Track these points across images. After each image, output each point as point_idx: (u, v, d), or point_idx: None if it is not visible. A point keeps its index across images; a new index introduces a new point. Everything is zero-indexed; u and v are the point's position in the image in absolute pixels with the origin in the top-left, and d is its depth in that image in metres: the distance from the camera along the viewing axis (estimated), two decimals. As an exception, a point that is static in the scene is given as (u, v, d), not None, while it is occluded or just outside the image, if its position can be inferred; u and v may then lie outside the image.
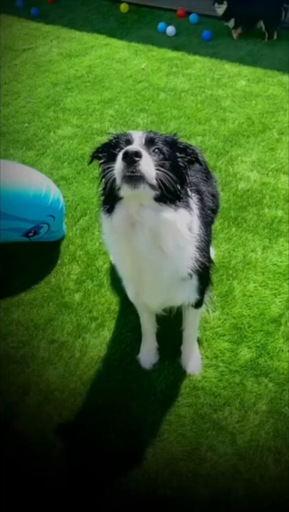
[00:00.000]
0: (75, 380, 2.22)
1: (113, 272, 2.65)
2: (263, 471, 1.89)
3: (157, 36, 4.99)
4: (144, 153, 1.47)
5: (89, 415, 2.09)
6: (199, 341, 2.30)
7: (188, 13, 5.23)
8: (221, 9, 4.67)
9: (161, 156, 1.57)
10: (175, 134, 1.70)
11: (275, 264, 2.61)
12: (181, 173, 1.65)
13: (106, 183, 1.59)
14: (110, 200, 1.63)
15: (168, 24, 5.03)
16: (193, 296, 1.98)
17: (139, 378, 2.20)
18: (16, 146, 3.64)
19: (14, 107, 4.12)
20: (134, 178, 1.47)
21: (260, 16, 4.64)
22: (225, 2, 4.61)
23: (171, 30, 4.97)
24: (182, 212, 1.64)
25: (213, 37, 4.85)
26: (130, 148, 1.45)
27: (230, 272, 2.59)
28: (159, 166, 1.52)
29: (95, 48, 4.89)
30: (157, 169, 1.51)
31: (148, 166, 1.47)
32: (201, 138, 3.54)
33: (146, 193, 1.53)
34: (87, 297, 2.56)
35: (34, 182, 2.57)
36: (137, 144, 1.55)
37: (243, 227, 2.84)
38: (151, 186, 1.51)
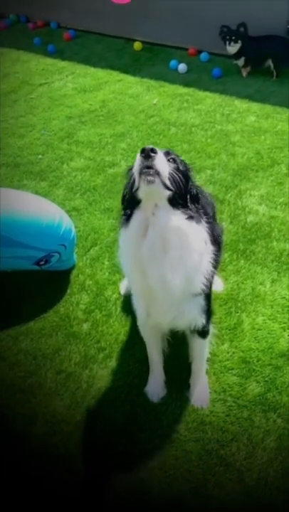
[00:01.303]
0: (81, 411, 2.20)
1: (122, 303, 2.67)
2: (271, 510, 1.84)
3: (169, 73, 5.15)
4: (160, 152, 1.61)
5: (95, 448, 2.07)
6: (208, 374, 2.28)
7: (199, 51, 5.40)
8: (234, 48, 4.81)
9: (175, 165, 1.71)
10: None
11: (284, 298, 2.61)
12: (191, 191, 1.77)
13: (128, 187, 1.76)
14: (130, 205, 1.75)
15: (180, 62, 5.19)
16: (200, 319, 1.99)
17: (146, 411, 2.18)
18: (29, 177, 3.73)
19: (29, 138, 4.24)
20: (149, 173, 1.59)
21: (269, 54, 4.78)
22: (239, 41, 4.77)
23: (182, 67, 5.13)
24: (196, 224, 1.74)
25: (223, 74, 4.99)
26: (147, 146, 1.59)
27: (239, 304, 2.60)
28: (173, 170, 1.67)
29: (109, 84, 5.05)
30: (171, 171, 1.66)
31: (162, 163, 1.62)
32: (211, 172, 3.61)
33: (160, 192, 1.64)
34: (95, 327, 2.57)
35: (47, 212, 2.63)
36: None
37: (251, 259, 2.86)
38: (165, 185, 1.64)
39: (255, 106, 4.43)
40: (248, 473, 1.95)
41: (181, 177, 1.70)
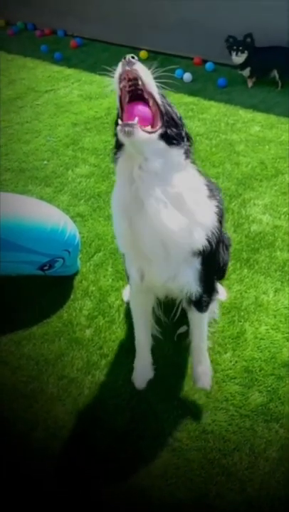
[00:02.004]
0: (83, 417, 2.20)
1: (125, 309, 2.67)
2: (272, 522, 1.83)
3: (174, 82, 5.18)
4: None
5: (96, 455, 2.06)
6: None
7: (205, 61, 5.45)
8: (240, 58, 4.84)
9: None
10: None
11: (287, 308, 2.61)
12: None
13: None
14: (116, 143, 1.64)
15: (185, 71, 5.23)
16: (195, 285, 1.83)
17: (147, 419, 2.17)
18: (34, 183, 3.74)
19: (34, 144, 4.27)
20: (127, 125, 1.47)
21: (274, 65, 4.82)
22: (245, 52, 4.80)
23: (187, 76, 5.17)
24: (194, 170, 1.63)
25: (228, 84, 5.03)
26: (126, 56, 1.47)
27: (242, 313, 2.60)
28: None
29: (114, 92, 5.08)
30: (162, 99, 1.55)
31: (145, 74, 1.48)
32: (215, 180, 3.60)
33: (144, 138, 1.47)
34: (98, 333, 2.57)
35: (52, 217, 2.64)
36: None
37: (255, 269, 2.86)
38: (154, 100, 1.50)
39: (259, 116, 4.45)
40: (250, 483, 1.94)
41: (173, 109, 1.58)
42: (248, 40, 4.77)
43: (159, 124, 1.55)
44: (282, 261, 2.89)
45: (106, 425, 2.16)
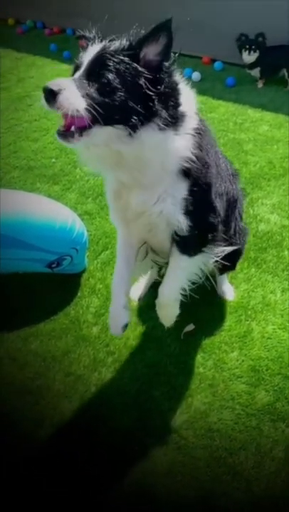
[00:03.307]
0: (89, 415, 2.20)
1: (131, 308, 2.67)
2: (278, 521, 1.83)
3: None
4: (68, 84, 1.40)
5: (102, 453, 2.07)
6: (216, 381, 2.28)
7: (214, 60, 5.44)
8: (252, 57, 4.82)
9: (105, 80, 1.43)
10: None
11: (295, 307, 2.61)
12: (142, 93, 1.47)
13: None
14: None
15: (193, 70, 5.23)
16: (178, 215, 1.76)
17: (154, 417, 2.17)
18: (42, 181, 3.76)
19: (43, 142, 4.28)
20: (60, 132, 1.48)
21: (283, 64, 4.80)
22: (257, 51, 4.78)
23: (196, 75, 5.16)
24: (144, 134, 1.53)
25: (236, 83, 5.02)
26: (48, 83, 1.39)
27: (249, 312, 2.59)
28: (95, 94, 1.42)
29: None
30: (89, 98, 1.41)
31: (72, 99, 1.39)
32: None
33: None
34: (104, 331, 2.57)
35: (60, 215, 2.64)
36: (80, 71, 1.46)
37: (262, 268, 2.85)
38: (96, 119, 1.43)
39: (268, 115, 4.44)
40: (256, 482, 1.93)
41: (112, 92, 1.42)
42: (260, 39, 4.75)
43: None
44: (289, 261, 2.88)
45: (112, 423, 2.17)
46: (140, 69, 1.46)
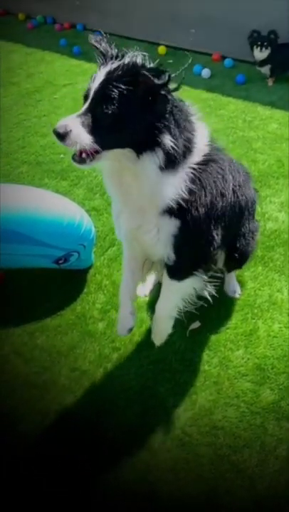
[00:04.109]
0: (94, 410, 2.21)
1: (138, 304, 2.67)
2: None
3: (192, 77, 5.15)
4: (73, 121, 1.53)
5: (106, 449, 2.08)
6: (220, 379, 2.28)
7: (224, 57, 5.41)
8: (263, 54, 4.77)
9: (108, 112, 1.51)
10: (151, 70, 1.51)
11: (301, 306, 2.60)
12: (145, 122, 1.53)
13: None
14: None
15: (203, 67, 5.20)
16: (167, 248, 1.86)
17: (158, 413, 2.18)
18: (50, 176, 3.77)
19: (51, 138, 4.20)
20: (75, 159, 1.60)
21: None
22: (269, 48, 4.74)
23: (206, 72, 5.14)
24: (148, 159, 1.59)
25: (246, 81, 4.98)
26: (56, 126, 1.53)
27: (256, 310, 2.58)
28: (99, 127, 1.52)
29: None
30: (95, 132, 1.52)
31: (79, 135, 1.51)
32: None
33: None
34: (110, 327, 2.58)
35: (68, 211, 2.65)
36: (86, 104, 1.56)
37: (269, 266, 2.84)
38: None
39: (277, 113, 4.40)
40: (260, 480, 1.94)
41: (114, 122, 1.51)
42: (272, 36, 4.71)
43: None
44: (297, 259, 2.87)
45: (116, 418, 2.18)
46: (141, 99, 1.50)
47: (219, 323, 2.53)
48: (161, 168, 1.61)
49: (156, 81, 1.45)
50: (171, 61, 5.37)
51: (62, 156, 4.01)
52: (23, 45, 6.21)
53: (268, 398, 2.20)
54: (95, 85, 1.54)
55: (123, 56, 1.58)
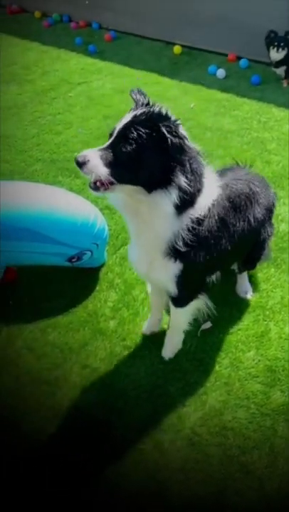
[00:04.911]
0: (104, 408, 2.22)
1: (149, 303, 2.68)
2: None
3: (207, 78, 5.15)
4: (93, 153, 1.65)
5: (115, 446, 2.09)
6: (230, 381, 2.28)
7: (239, 57, 5.39)
8: (280, 54, 4.75)
9: (125, 151, 1.62)
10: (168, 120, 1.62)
11: (313, 309, 2.59)
12: (158, 164, 1.65)
13: None
14: None
15: (218, 67, 5.19)
16: (170, 285, 2.02)
17: (168, 412, 2.19)
18: (65, 174, 3.79)
19: (66, 136, 4.31)
20: (92, 187, 1.71)
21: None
22: (286, 48, 4.72)
23: (221, 72, 5.13)
24: (159, 197, 1.70)
25: (261, 81, 4.97)
26: (78, 155, 1.67)
27: (267, 312, 2.58)
28: (115, 163, 1.63)
29: (147, 86, 5.07)
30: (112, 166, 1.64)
31: (97, 166, 1.63)
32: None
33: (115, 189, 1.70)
34: (122, 325, 2.60)
35: (83, 210, 2.66)
36: (110, 141, 1.67)
37: (282, 268, 2.83)
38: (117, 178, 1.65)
39: (292, 114, 4.39)
40: (269, 482, 1.94)
41: (129, 161, 1.63)
42: (289, 37, 4.69)
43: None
44: (310, 262, 2.86)
45: (127, 416, 2.19)
46: (158, 145, 1.61)
47: (231, 324, 2.53)
48: (171, 208, 1.73)
49: (174, 132, 1.58)
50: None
51: (76, 154, 4.03)
52: (39, 43, 6.26)
53: (278, 400, 2.20)
54: (120, 125, 1.67)
55: (151, 105, 1.71)
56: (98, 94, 4.99)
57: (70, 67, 5.64)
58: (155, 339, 2.50)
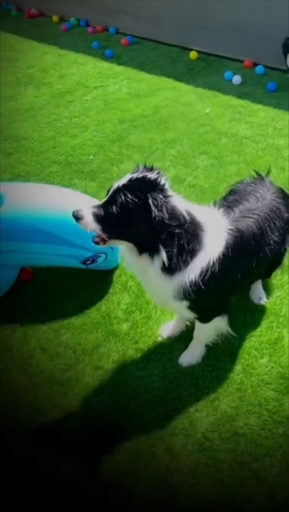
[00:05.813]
0: (116, 409, 2.23)
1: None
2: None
3: (223, 84, 5.16)
4: (87, 211, 1.80)
5: (127, 450, 2.09)
6: (244, 387, 2.27)
7: (255, 64, 5.40)
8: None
9: (114, 212, 1.76)
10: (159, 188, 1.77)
11: None
12: (145, 228, 1.75)
13: None
14: None
15: (234, 73, 5.20)
16: (188, 314, 2.13)
17: (180, 417, 2.19)
18: (80, 177, 3.82)
19: (81, 139, 4.35)
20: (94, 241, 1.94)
21: None
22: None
23: (237, 79, 5.14)
24: (147, 259, 1.84)
25: (277, 88, 4.97)
26: (75, 211, 1.82)
27: (281, 319, 2.58)
28: (106, 220, 1.79)
29: (163, 91, 5.11)
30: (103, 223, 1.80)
31: (90, 223, 1.80)
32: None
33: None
34: (134, 328, 2.61)
35: (98, 212, 2.68)
36: (104, 199, 1.82)
37: (296, 276, 2.83)
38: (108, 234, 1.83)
39: (308, 122, 4.38)
40: (280, 489, 1.93)
41: (117, 221, 1.76)
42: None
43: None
44: None
45: (139, 420, 2.19)
46: (144, 213, 1.72)
47: (244, 331, 2.53)
48: (158, 271, 1.85)
49: (159, 206, 1.70)
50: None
51: (91, 157, 4.07)
52: (57, 47, 6.33)
53: (291, 408, 2.19)
54: (114, 187, 1.79)
55: (151, 170, 1.82)
56: (114, 98, 5.03)
57: (86, 71, 5.69)
58: (168, 343, 2.51)
